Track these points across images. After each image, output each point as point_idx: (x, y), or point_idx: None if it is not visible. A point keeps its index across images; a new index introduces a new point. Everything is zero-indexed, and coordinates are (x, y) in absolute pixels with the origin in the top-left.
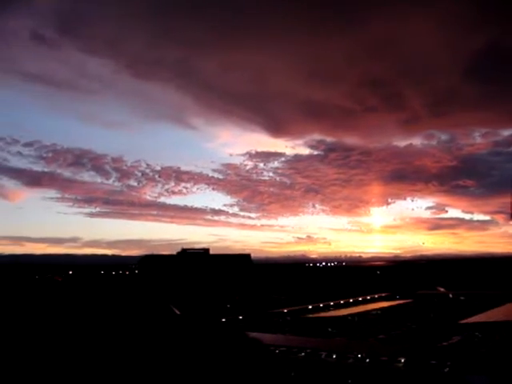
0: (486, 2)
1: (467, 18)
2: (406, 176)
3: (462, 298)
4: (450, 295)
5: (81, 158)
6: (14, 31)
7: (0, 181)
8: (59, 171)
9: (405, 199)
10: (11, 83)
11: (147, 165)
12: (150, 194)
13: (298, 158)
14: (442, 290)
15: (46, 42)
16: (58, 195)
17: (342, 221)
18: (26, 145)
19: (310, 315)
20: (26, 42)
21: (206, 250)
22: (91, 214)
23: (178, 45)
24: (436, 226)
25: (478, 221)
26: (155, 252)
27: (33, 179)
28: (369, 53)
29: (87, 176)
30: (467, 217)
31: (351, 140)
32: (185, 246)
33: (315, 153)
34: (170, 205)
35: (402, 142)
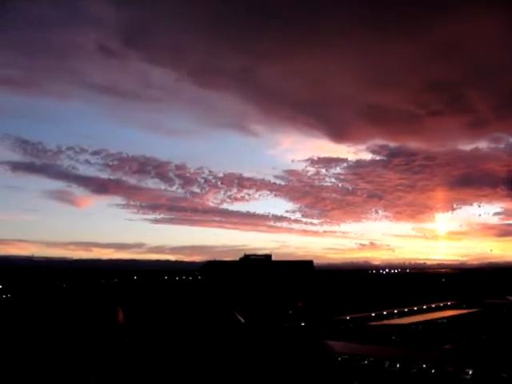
0: None
1: None
2: (472, 181)
3: None
4: None
5: (145, 166)
6: (82, 45)
7: (69, 188)
8: (125, 178)
9: (471, 205)
10: (79, 94)
11: (210, 171)
12: (212, 200)
13: (360, 164)
14: (511, 299)
15: (111, 54)
16: (124, 202)
17: (405, 227)
18: (94, 153)
19: (374, 323)
20: (92, 55)
21: (268, 256)
22: (155, 221)
23: (240, 53)
24: (505, 232)
25: None
26: (218, 258)
27: (100, 186)
28: (433, 56)
29: (151, 183)
30: None
31: (415, 144)
32: (247, 252)
33: (378, 158)
34: (232, 211)
35: (467, 146)
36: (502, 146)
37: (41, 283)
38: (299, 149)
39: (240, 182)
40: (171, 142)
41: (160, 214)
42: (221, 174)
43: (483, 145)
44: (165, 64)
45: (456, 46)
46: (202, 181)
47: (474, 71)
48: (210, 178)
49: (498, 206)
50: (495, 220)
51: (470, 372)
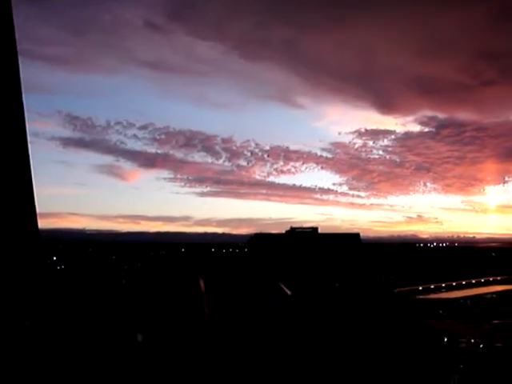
0: None
1: None
2: None
3: None
4: None
5: (192, 140)
6: (129, 21)
7: (118, 163)
8: (172, 152)
9: None
10: (126, 70)
11: (256, 144)
12: (259, 173)
13: (408, 136)
14: None
15: (157, 30)
16: (171, 175)
17: (454, 200)
18: (141, 128)
19: (421, 296)
20: (139, 31)
21: (315, 229)
22: (202, 194)
23: (285, 24)
24: None
25: None
26: (264, 231)
27: (147, 160)
28: (486, 24)
29: (198, 156)
30: None
31: (465, 115)
32: (293, 225)
33: (426, 129)
34: (278, 184)
35: None
36: None
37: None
38: (346, 121)
39: (286, 155)
40: (217, 115)
41: (207, 187)
42: (267, 147)
43: None
44: (210, 37)
45: (510, 13)
46: (249, 154)
47: None
48: (257, 150)
49: None
50: None
51: None
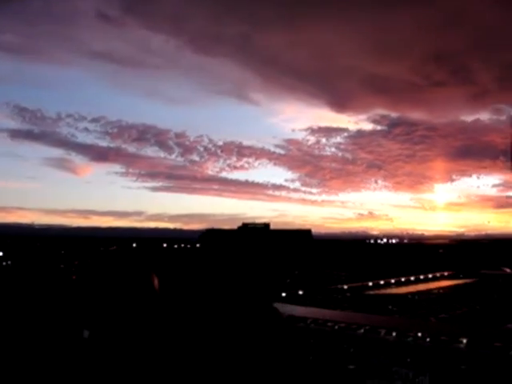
0: None
1: None
2: (472, 152)
3: None
4: None
5: (145, 134)
6: (81, 12)
7: (68, 156)
8: (124, 146)
9: (470, 176)
10: (78, 62)
11: (209, 140)
12: (212, 168)
13: (360, 134)
14: (507, 270)
15: (110, 21)
16: (123, 170)
17: (404, 197)
18: (93, 121)
19: (370, 292)
20: (91, 22)
21: (267, 225)
22: (154, 189)
23: (241, 20)
24: (503, 204)
25: None
26: (216, 226)
27: (99, 154)
28: (437, 26)
29: (151, 151)
30: None
31: (416, 115)
32: (246, 221)
33: (378, 128)
34: (231, 180)
35: (469, 117)
36: (503, 117)
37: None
38: (300, 118)
39: (240, 151)
40: (171, 109)
41: (159, 182)
42: (220, 143)
43: (484, 116)
44: (164, 31)
45: (459, 17)
46: (202, 149)
47: (477, 43)
48: (210, 146)
49: (497, 178)
50: (494, 192)
51: (464, 341)
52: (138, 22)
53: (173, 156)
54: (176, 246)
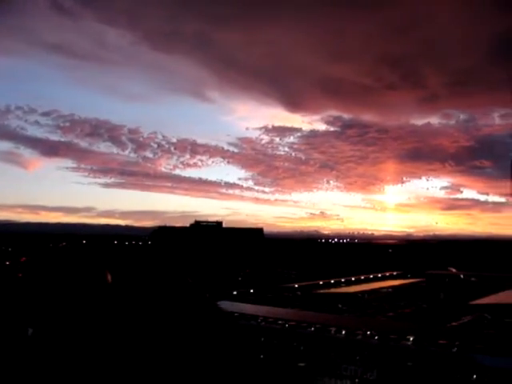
0: None
1: (491, 0)
2: (422, 155)
3: (473, 279)
4: (462, 276)
5: (98, 129)
6: (34, 1)
7: (17, 150)
8: (76, 141)
9: (420, 178)
10: (30, 53)
11: (163, 137)
12: (165, 165)
13: (314, 134)
14: (453, 270)
15: (65, 13)
16: (74, 165)
17: (356, 198)
18: (44, 114)
19: (321, 291)
20: (45, 13)
21: (219, 223)
22: (106, 185)
23: (197, 18)
24: (450, 206)
25: (492, 202)
26: (169, 224)
27: (49, 148)
28: (391, 30)
29: (103, 146)
30: (482, 198)
31: (368, 117)
32: (198, 219)
33: (331, 129)
34: (184, 177)
35: (419, 121)
36: (452, 122)
37: None
38: (254, 117)
39: (193, 148)
40: (125, 105)
41: (111, 178)
42: (174, 140)
43: (434, 120)
44: (120, 25)
45: (415, 22)
46: (155, 146)
47: (429, 48)
48: (164, 143)
49: (445, 181)
50: (442, 194)
51: (411, 339)
52: (94, 15)
53: (126, 152)
54: (127, 243)
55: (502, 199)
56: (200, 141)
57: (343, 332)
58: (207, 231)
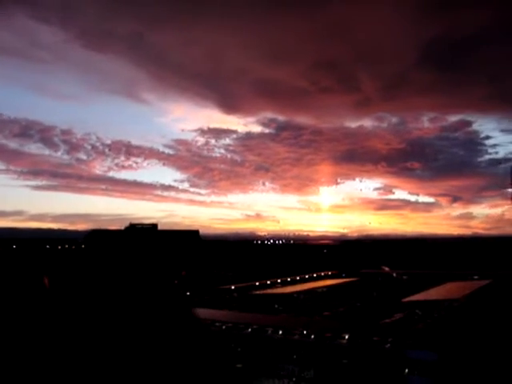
0: None
1: (422, 6)
2: (355, 157)
3: (405, 277)
4: (394, 274)
5: (28, 129)
6: None
7: None
8: (4, 142)
9: (354, 179)
10: None
11: (97, 138)
12: (99, 167)
13: (249, 136)
14: (386, 269)
15: None
16: (3, 167)
17: (291, 199)
18: None
19: (257, 292)
20: None
21: (154, 226)
22: (37, 187)
23: (132, 18)
24: (383, 206)
25: (423, 203)
26: (103, 227)
27: None
28: (326, 34)
29: (34, 148)
30: (413, 198)
31: (303, 119)
32: (133, 221)
33: (267, 131)
34: (119, 179)
35: (353, 123)
36: (384, 125)
37: None
38: (190, 118)
39: (128, 150)
40: (57, 105)
41: (42, 180)
42: (108, 141)
43: (368, 123)
44: (53, 23)
45: (350, 27)
46: (89, 147)
47: (364, 53)
48: (98, 144)
49: (378, 182)
50: (375, 195)
51: (346, 337)
52: (25, 12)
53: (58, 153)
54: (60, 247)
55: (432, 199)
56: (135, 142)
57: (280, 332)
58: (142, 234)
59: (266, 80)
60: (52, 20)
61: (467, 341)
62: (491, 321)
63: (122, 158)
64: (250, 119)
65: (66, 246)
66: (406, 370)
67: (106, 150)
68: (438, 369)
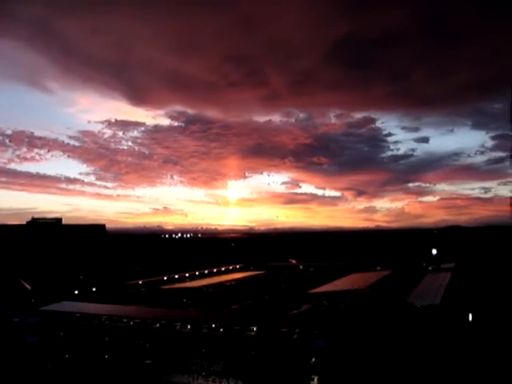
0: None
1: (332, 6)
2: (263, 151)
3: (311, 269)
4: (301, 267)
5: None
6: None
7: None
8: None
9: (262, 174)
10: None
11: None
12: None
13: (158, 129)
14: (293, 261)
15: None
16: None
17: (199, 193)
18: None
19: (165, 286)
20: None
21: (59, 220)
22: None
23: (39, 2)
24: (290, 200)
25: (329, 196)
26: (3, 222)
27: None
28: (236, 29)
29: None
30: (319, 192)
31: (212, 113)
32: (36, 216)
33: (176, 124)
34: (21, 172)
35: (261, 118)
36: (292, 120)
37: None
38: (96, 110)
39: (31, 141)
40: None
41: None
42: (9, 131)
43: (276, 118)
44: None
45: (260, 23)
46: None
47: (272, 49)
48: None
49: (285, 176)
50: (282, 189)
51: (255, 329)
52: None
53: None
54: None
55: (338, 193)
56: (38, 133)
57: (188, 326)
58: (45, 229)
59: (175, 73)
60: None
61: (354, 328)
62: (391, 309)
63: (25, 149)
64: (159, 112)
65: None
66: (313, 360)
67: (7, 141)
68: (326, 355)
